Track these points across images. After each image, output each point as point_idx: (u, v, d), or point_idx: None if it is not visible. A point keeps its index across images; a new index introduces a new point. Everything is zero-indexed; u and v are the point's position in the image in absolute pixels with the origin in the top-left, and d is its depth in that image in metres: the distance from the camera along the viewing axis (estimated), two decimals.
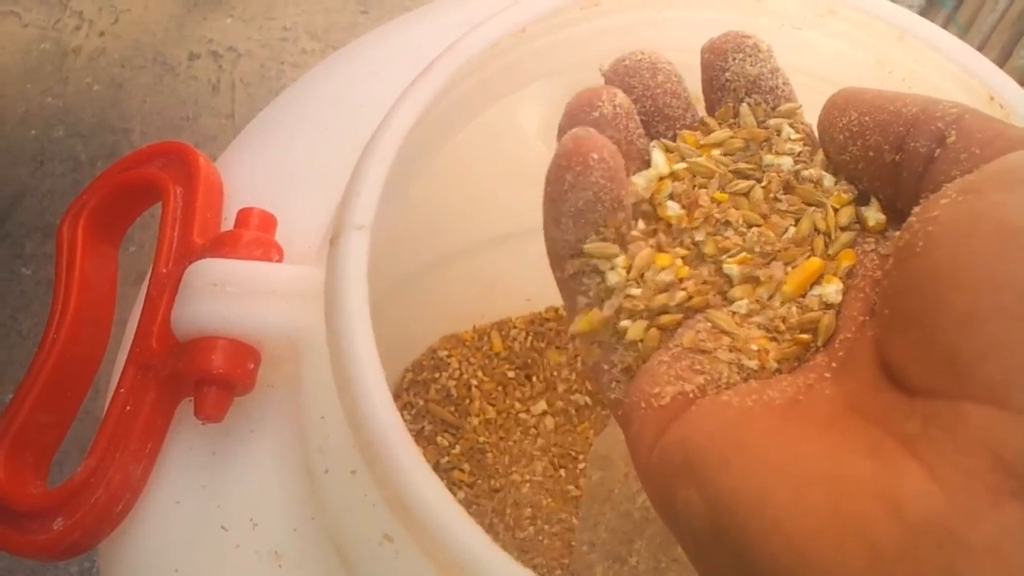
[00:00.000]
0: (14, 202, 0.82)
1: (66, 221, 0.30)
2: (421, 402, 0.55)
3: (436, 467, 0.53)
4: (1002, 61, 0.76)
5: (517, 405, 0.56)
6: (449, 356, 0.56)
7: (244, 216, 0.27)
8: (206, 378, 0.24)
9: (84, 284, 0.28)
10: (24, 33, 0.91)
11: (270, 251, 0.26)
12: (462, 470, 0.54)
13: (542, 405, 0.57)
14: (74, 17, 0.93)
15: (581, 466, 0.56)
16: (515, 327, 0.58)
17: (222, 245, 0.26)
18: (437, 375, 0.56)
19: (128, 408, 0.25)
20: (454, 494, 0.52)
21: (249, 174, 0.29)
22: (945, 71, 0.25)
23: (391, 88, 0.30)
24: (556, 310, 0.56)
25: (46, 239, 0.80)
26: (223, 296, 0.24)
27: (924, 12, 0.86)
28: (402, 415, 0.54)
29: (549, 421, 0.57)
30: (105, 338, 0.29)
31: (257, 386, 0.25)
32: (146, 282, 0.28)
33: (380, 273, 0.43)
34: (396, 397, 0.54)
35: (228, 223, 0.28)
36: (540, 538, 0.53)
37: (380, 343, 0.55)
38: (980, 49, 0.79)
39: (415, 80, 0.23)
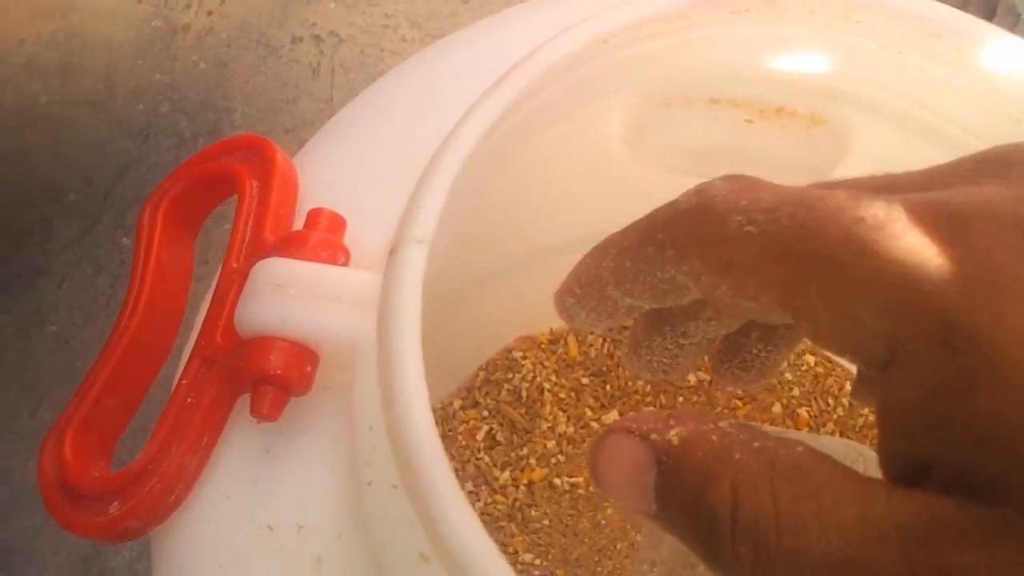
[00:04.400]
0: (120, 174, 0.85)
1: (147, 209, 0.30)
2: (492, 402, 0.55)
3: (503, 467, 0.53)
4: None
5: (588, 412, 0.55)
6: (524, 357, 0.56)
7: (314, 216, 0.27)
8: (264, 377, 0.24)
9: (159, 272, 0.29)
10: (138, 10, 0.94)
11: (336, 254, 0.26)
12: (532, 468, 0.54)
13: (614, 414, 0.56)
14: None
15: None
16: (592, 333, 0.57)
17: (290, 245, 0.26)
18: (510, 376, 0.55)
19: (189, 400, 0.25)
20: (516, 495, 0.52)
21: (325, 172, 0.29)
22: None
23: (473, 92, 0.29)
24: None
25: None
26: (285, 297, 0.24)
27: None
28: (471, 413, 0.54)
29: None
30: (176, 327, 0.29)
31: (315, 389, 0.25)
32: (217, 275, 0.29)
33: (460, 271, 0.43)
34: (468, 394, 0.54)
35: (302, 222, 0.28)
36: (604, 549, 0.53)
37: (456, 341, 0.55)
38: None
39: (485, 92, 0.22)
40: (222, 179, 0.29)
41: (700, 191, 0.16)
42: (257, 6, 0.94)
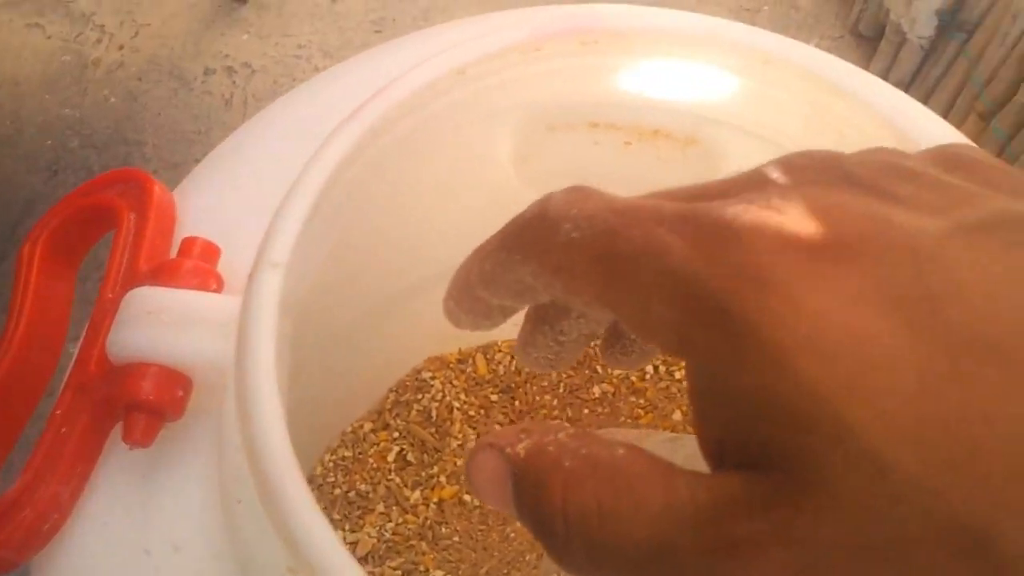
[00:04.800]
0: (27, 209, 0.84)
1: (27, 241, 0.31)
2: (402, 423, 0.55)
3: (413, 487, 0.53)
4: (1009, 95, 0.76)
5: (498, 428, 0.56)
6: (433, 377, 0.57)
7: (187, 245, 0.27)
8: (135, 403, 0.24)
9: (36, 306, 0.29)
10: (47, 45, 0.93)
11: (208, 281, 0.27)
12: (442, 486, 0.55)
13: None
14: (96, 30, 0.95)
15: None
16: (500, 350, 0.58)
17: (162, 273, 0.26)
18: (420, 396, 0.56)
19: (63, 430, 0.26)
20: (426, 514, 0.52)
21: (202, 202, 0.30)
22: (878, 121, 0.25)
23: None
24: None
25: None
26: (156, 324, 0.25)
27: (934, 43, 0.85)
28: (382, 435, 0.55)
29: None
30: (54, 361, 0.29)
31: (188, 413, 0.26)
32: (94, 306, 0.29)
33: (359, 298, 0.44)
34: (378, 416, 0.55)
35: (176, 251, 0.29)
36: (513, 562, 0.53)
37: (364, 364, 0.55)
38: (988, 82, 0.78)
39: (342, 121, 0.23)
40: (100, 212, 0.30)
41: (541, 201, 0.18)
42: (170, 39, 0.94)
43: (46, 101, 0.90)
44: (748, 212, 0.15)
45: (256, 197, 0.30)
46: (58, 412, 0.26)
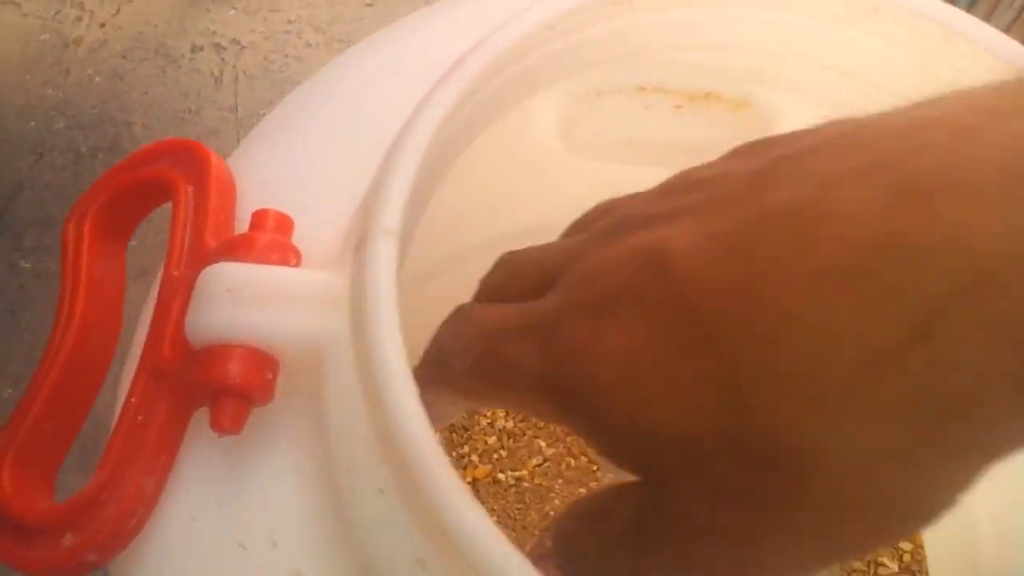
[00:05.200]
0: (14, 194, 0.80)
1: (71, 220, 0.28)
2: None
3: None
4: None
5: None
6: None
7: (259, 218, 0.25)
8: (223, 388, 0.23)
9: (91, 287, 0.27)
10: (23, 23, 0.89)
11: (288, 255, 0.25)
12: (475, 465, 0.54)
13: None
14: (75, 7, 0.92)
15: (594, 468, 0.56)
16: None
17: (237, 248, 0.24)
18: None
19: (140, 418, 0.24)
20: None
21: (262, 174, 0.28)
22: (996, 72, 0.24)
23: (406, 86, 0.29)
24: None
25: (46, 231, 0.79)
26: (240, 302, 0.23)
27: None
28: None
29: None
30: (114, 342, 0.28)
31: (276, 396, 0.24)
32: (156, 285, 0.27)
33: (406, 263, 0.42)
34: None
35: (243, 225, 0.27)
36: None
37: None
38: None
39: (442, 80, 0.22)
40: (152, 186, 0.28)
41: (437, 335, 0.22)
42: (153, 16, 0.91)
43: (27, 82, 0.86)
44: (562, 312, 0.18)
45: (318, 166, 0.28)
46: (133, 399, 0.24)
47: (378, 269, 0.19)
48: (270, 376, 0.23)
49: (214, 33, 0.90)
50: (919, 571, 0.49)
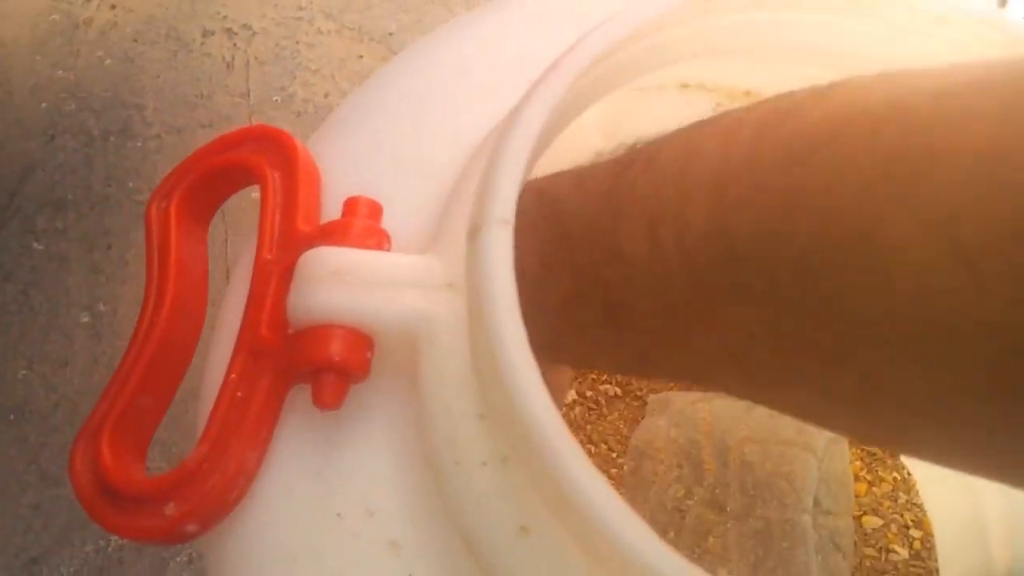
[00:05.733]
0: (25, 176, 0.80)
1: (155, 202, 0.29)
2: None
3: None
4: None
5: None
6: None
7: (352, 205, 0.26)
8: (325, 366, 0.24)
9: (180, 268, 0.28)
10: (33, 3, 0.89)
11: (381, 240, 0.26)
12: None
13: (571, 395, 0.58)
14: None
15: (614, 455, 0.57)
16: None
17: (334, 234, 0.26)
18: None
19: (239, 394, 0.25)
20: None
21: (344, 162, 0.29)
22: None
23: (480, 79, 0.30)
24: None
25: (58, 213, 0.79)
26: (343, 285, 0.24)
27: None
28: None
29: (578, 410, 0.58)
30: (200, 322, 0.28)
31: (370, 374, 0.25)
32: (245, 268, 0.28)
33: None
34: None
35: (329, 211, 0.28)
36: None
37: None
38: None
39: (551, 72, 0.23)
40: (238, 170, 0.29)
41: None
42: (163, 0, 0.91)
43: (37, 63, 0.86)
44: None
45: (401, 153, 0.29)
46: (232, 376, 0.25)
47: (497, 257, 0.20)
48: (368, 355, 0.25)
49: (225, 18, 0.90)
50: (928, 557, 0.51)
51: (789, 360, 0.19)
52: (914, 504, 0.50)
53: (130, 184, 0.81)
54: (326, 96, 0.88)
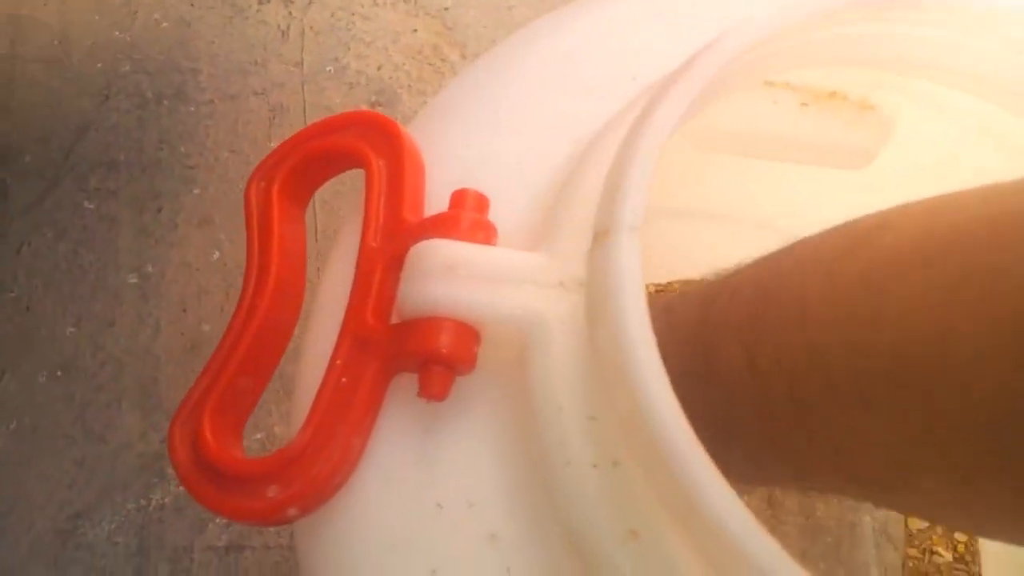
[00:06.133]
0: (80, 134, 0.81)
1: (254, 182, 0.30)
2: None
3: None
4: None
5: None
6: None
7: (460, 197, 0.26)
8: (434, 357, 0.24)
9: (282, 248, 0.28)
10: None
11: (489, 234, 0.26)
12: None
13: None
14: None
15: None
16: None
17: (443, 226, 0.26)
18: None
19: (344, 380, 0.25)
20: None
21: (446, 151, 0.29)
22: None
23: (591, 73, 0.30)
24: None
25: (110, 174, 0.80)
26: (455, 279, 0.24)
27: None
28: None
29: None
30: (299, 305, 0.29)
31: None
32: (344, 253, 0.28)
33: None
34: None
35: (433, 201, 0.28)
36: None
37: None
38: None
39: (676, 79, 0.23)
40: (341, 155, 0.29)
41: None
42: None
43: (95, 23, 0.86)
44: None
45: (506, 144, 0.29)
46: (338, 362, 0.25)
47: (628, 262, 0.20)
48: (475, 349, 0.25)
49: None
50: (972, 562, 0.51)
51: (892, 463, 0.21)
52: None
53: (182, 148, 0.81)
54: (379, 69, 0.87)
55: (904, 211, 0.22)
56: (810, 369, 0.21)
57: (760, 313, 0.23)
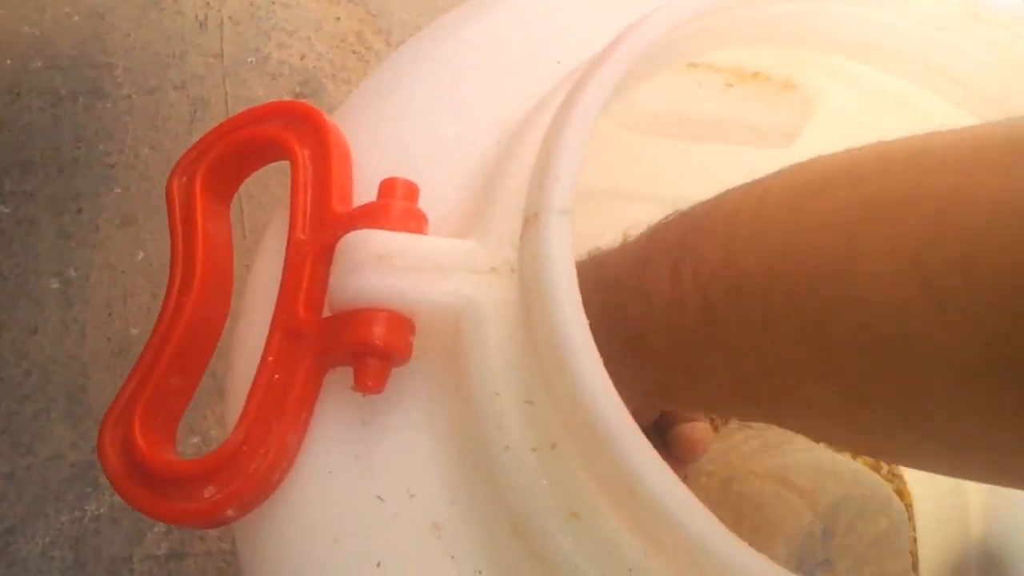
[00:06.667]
0: None
1: (176, 177, 0.29)
2: None
3: None
4: None
5: None
6: None
7: (389, 186, 0.26)
8: (368, 349, 0.24)
9: (207, 245, 0.27)
10: None
11: (420, 223, 0.26)
12: None
13: None
14: None
15: None
16: None
17: (373, 216, 0.25)
18: None
19: (276, 376, 0.25)
20: None
21: (373, 139, 0.29)
22: None
23: (519, 56, 0.29)
24: None
25: (26, 175, 0.77)
26: (388, 268, 0.24)
27: None
28: None
29: None
30: (227, 301, 0.28)
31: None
32: (272, 245, 0.28)
33: None
34: None
35: (360, 190, 0.28)
36: None
37: None
38: None
39: (602, 56, 0.23)
40: (265, 146, 0.28)
41: None
42: None
43: (1, 17, 0.83)
44: None
45: (432, 132, 0.29)
46: (269, 358, 0.25)
47: (558, 244, 0.20)
48: (410, 339, 0.24)
49: None
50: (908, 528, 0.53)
51: (785, 381, 0.22)
52: (895, 474, 0.52)
53: (100, 146, 0.79)
54: (302, 59, 0.86)
55: (838, 153, 0.23)
56: (722, 284, 0.23)
57: (694, 230, 0.24)
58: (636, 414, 0.19)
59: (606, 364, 0.20)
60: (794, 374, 0.22)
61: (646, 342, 0.25)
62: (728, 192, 0.25)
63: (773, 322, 0.22)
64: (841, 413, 0.22)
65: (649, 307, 0.25)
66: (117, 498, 0.66)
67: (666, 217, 0.27)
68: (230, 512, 0.24)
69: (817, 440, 0.32)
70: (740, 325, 0.22)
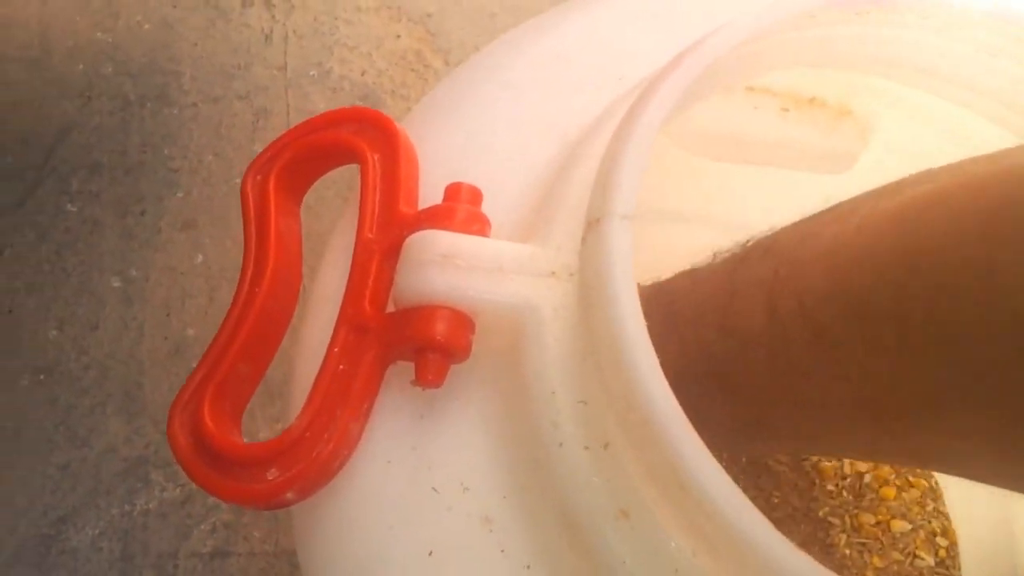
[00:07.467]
0: (60, 137, 0.81)
1: (250, 176, 0.30)
2: None
3: None
4: None
5: None
6: None
7: (454, 190, 0.27)
8: (430, 345, 0.25)
9: (279, 240, 0.29)
10: None
11: (483, 226, 0.27)
12: None
13: None
14: None
15: None
16: None
17: (438, 217, 0.26)
18: None
19: (342, 367, 0.26)
20: None
21: (439, 146, 0.30)
22: None
23: (582, 71, 0.30)
24: None
25: (92, 177, 0.80)
26: (451, 268, 0.25)
27: None
28: None
29: None
30: (295, 296, 0.29)
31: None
32: (340, 244, 0.29)
33: None
34: None
35: (426, 194, 0.29)
36: None
37: None
38: None
39: (666, 74, 0.24)
40: (336, 150, 0.30)
41: None
42: None
43: (76, 23, 0.86)
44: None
45: (496, 138, 0.30)
46: (335, 349, 0.26)
47: (619, 249, 0.21)
48: (470, 337, 0.25)
49: None
50: (952, 566, 0.52)
51: (924, 403, 0.21)
52: (940, 512, 0.51)
53: (165, 151, 0.82)
54: (362, 74, 0.88)
55: (937, 169, 0.23)
56: (835, 309, 0.22)
57: (787, 264, 0.24)
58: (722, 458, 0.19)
59: (685, 406, 0.19)
60: (935, 396, 0.21)
61: (733, 380, 0.25)
62: (813, 222, 0.25)
63: (908, 346, 0.20)
64: (991, 438, 0.20)
65: (740, 342, 0.25)
66: (167, 494, 0.68)
67: (737, 248, 0.27)
68: (290, 495, 0.25)
69: (947, 472, 0.29)
70: (866, 347, 0.21)
